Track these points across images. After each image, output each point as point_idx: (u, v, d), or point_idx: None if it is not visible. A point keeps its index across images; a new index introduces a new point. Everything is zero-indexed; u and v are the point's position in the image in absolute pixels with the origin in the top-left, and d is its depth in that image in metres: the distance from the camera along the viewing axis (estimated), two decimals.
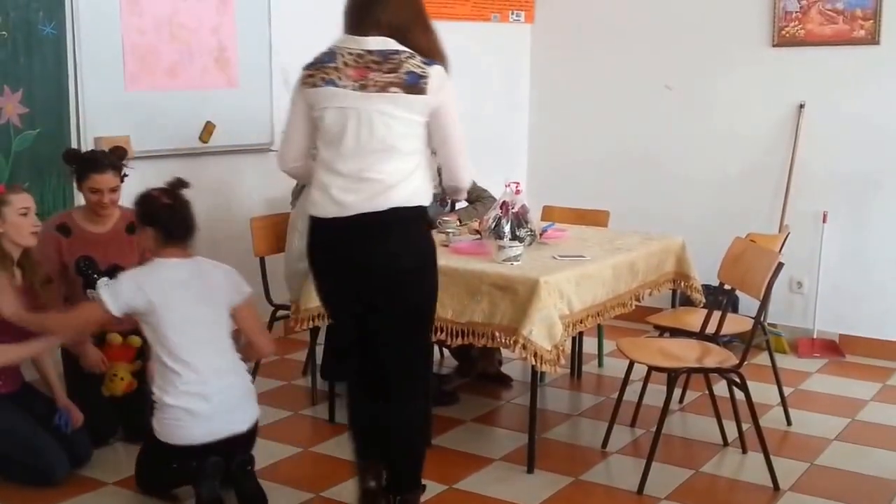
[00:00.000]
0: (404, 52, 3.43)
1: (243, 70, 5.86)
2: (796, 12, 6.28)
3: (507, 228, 4.44)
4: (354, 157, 3.44)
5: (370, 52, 3.44)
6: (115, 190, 4.53)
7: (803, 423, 5.02)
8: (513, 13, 7.22)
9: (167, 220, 3.88)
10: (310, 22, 6.09)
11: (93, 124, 5.17)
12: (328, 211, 3.48)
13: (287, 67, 6.13)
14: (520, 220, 4.50)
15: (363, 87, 3.41)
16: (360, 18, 3.53)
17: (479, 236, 4.70)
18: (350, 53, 3.47)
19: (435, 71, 3.43)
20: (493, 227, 4.46)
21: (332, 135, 3.47)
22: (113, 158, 4.61)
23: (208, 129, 5.72)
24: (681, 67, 6.77)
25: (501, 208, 4.47)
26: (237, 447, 3.87)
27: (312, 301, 4.60)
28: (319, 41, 6.02)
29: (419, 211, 3.51)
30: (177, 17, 5.52)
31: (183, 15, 5.55)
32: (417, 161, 3.50)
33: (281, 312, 5.29)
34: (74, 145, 5.08)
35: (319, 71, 3.50)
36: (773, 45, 6.39)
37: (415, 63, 3.42)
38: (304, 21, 6.11)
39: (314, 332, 5.00)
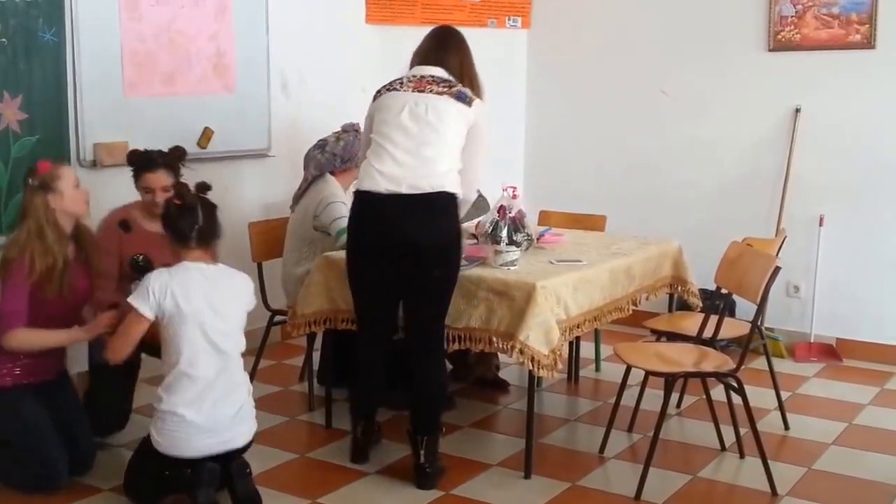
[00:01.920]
0: (457, 82, 4.20)
1: (241, 76, 5.88)
2: (792, 17, 6.29)
3: (504, 233, 4.44)
4: (408, 132, 4.10)
5: (432, 76, 4.20)
6: (167, 189, 4.45)
7: (801, 428, 5.02)
8: (509, 19, 7.23)
9: (175, 221, 3.87)
10: (307, 28, 6.14)
11: (92, 130, 5.18)
12: (379, 186, 4.07)
13: (285, 73, 6.17)
14: (517, 224, 4.51)
15: (420, 91, 4.14)
16: (424, 57, 4.30)
17: (475, 241, 4.70)
18: (413, 77, 4.22)
19: (479, 101, 4.21)
20: (490, 231, 4.46)
21: (390, 113, 4.15)
22: (168, 158, 4.63)
23: (206, 134, 5.73)
24: (677, 72, 6.78)
25: (499, 213, 4.48)
26: (232, 457, 3.87)
27: (309, 307, 4.61)
28: (316, 47, 6.09)
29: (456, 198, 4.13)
30: (175, 23, 5.53)
31: (181, 22, 5.56)
32: (456, 161, 4.13)
33: (278, 318, 5.30)
34: (73, 151, 5.10)
35: (385, 87, 4.25)
36: (769, 50, 6.40)
37: (465, 89, 4.18)
38: (301, 27, 6.15)
39: (311, 337, 5.01)
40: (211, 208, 3.92)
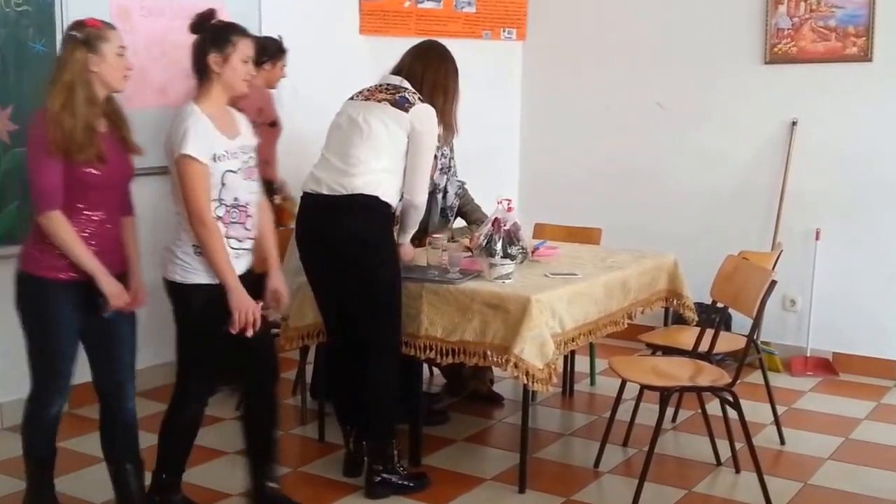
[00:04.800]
0: (410, 89, 4.29)
1: None
2: (788, 29, 6.28)
3: (498, 246, 4.42)
4: (342, 143, 4.26)
5: (387, 85, 4.35)
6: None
7: (797, 443, 5.00)
8: (504, 30, 7.22)
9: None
10: (301, 39, 6.10)
11: None
12: (308, 186, 4.31)
13: (278, 84, 6.14)
14: (512, 237, 4.49)
15: (367, 100, 4.29)
16: (394, 68, 4.45)
17: (470, 254, 4.68)
18: (372, 87, 4.39)
19: (421, 106, 4.25)
20: (484, 244, 4.44)
21: (336, 119, 4.38)
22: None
23: None
24: (673, 85, 6.77)
25: (493, 225, 4.46)
26: None
27: (302, 320, 4.60)
28: (310, 58, 6.06)
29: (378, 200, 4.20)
30: (168, 35, 5.51)
31: (174, 34, 5.52)
32: (385, 166, 4.21)
33: (273, 331, 5.25)
34: None
35: (349, 98, 4.42)
36: (766, 63, 6.39)
37: (412, 94, 4.26)
38: (295, 39, 6.11)
39: (304, 350, 4.98)
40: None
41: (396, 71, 4.42)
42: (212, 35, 3.73)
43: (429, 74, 4.37)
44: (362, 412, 4.35)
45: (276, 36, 5.59)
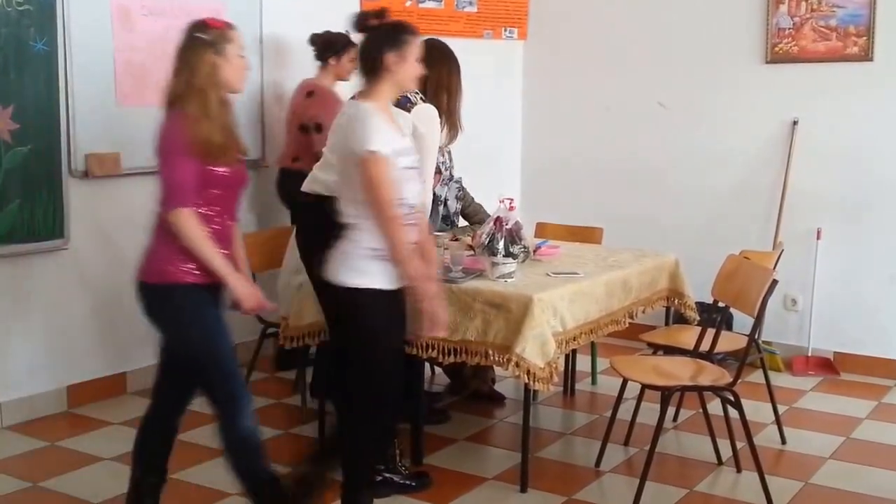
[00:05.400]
0: (412, 89, 4.15)
1: None
2: (789, 29, 6.28)
3: (500, 245, 4.41)
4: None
5: None
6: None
7: (798, 442, 5.00)
8: (506, 30, 7.22)
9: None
10: (301, 39, 6.09)
11: (84, 140, 5.14)
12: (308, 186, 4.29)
13: (279, 85, 6.14)
14: (513, 236, 4.48)
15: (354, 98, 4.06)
16: None
17: (472, 253, 4.67)
18: None
19: (422, 105, 4.25)
20: (486, 243, 4.43)
21: (337, 120, 4.14)
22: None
23: None
24: (674, 84, 6.77)
25: (495, 224, 4.45)
26: None
27: (303, 319, 4.59)
28: (311, 59, 6.05)
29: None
30: (169, 34, 5.44)
31: (175, 32, 5.43)
32: None
33: (272, 330, 5.25)
34: (65, 162, 5.06)
35: (351, 97, 4.16)
36: (767, 62, 6.39)
37: (414, 95, 4.22)
38: (295, 39, 6.11)
39: (304, 350, 4.97)
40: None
41: None
42: (388, 34, 3.72)
43: (432, 74, 4.37)
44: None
45: (343, 30, 5.50)
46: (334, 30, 5.64)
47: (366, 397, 3.77)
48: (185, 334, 3.59)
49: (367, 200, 3.60)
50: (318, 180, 4.27)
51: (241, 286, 3.56)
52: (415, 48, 3.76)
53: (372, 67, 3.73)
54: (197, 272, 3.51)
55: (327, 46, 5.46)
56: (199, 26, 3.57)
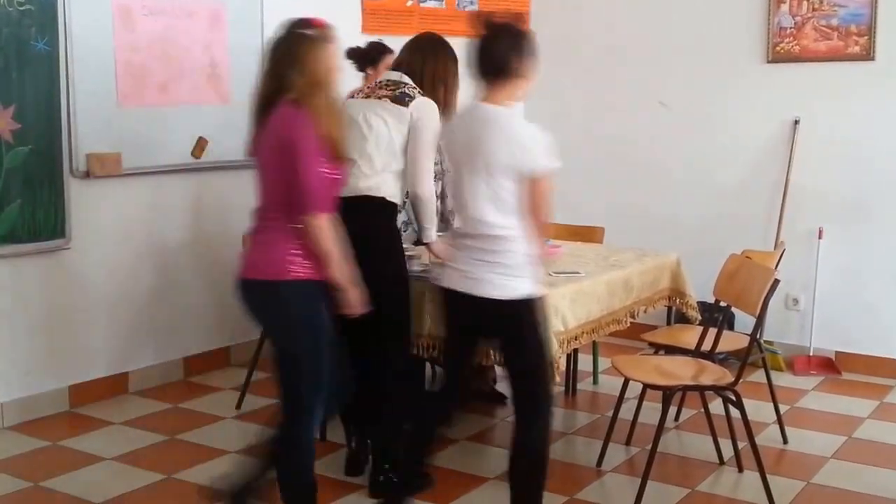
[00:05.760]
0: (410, 84, 4.28)
1: (236, 86, 5.83)
2: (791, 28, 6.27)
3: None
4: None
5: (388, 81, 4.33)
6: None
7: (800, 442, 4.99)
8: None
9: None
10: None
11: (85, 140, 5.14)
12: None
13: None
14: None
15: (368, 97, 4.29)
16: (394, 63, 4.50)
17: None
18: (373, 84, 4.41)
19: (422, 99, 4.22)
20: None
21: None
22: None
23: (201, 144, 5.70)
24: (675, 84, 6.76)
25: None
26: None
27: None
28: None
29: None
30: (169, 33, 5.51)
31: (175, 32, 5.54)
32: (388, 166, 4.20)
33: None
34: (66, 161, 5.06)
35: (347, 96, 4.36)
36: (768, 62, 6.38)
37: (412, 89, 4.25)
38: None
39: None
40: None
41: (395, 66, 4.42)
42: (525, 40, 3.69)
43: (428, 67, 4.37)
44: (368, 409, 4.31)
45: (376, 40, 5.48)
46: (341, 29, 5.62)
47: (543, 392, 3.77)
48: (294, 332, 3.56)
49: (535, 210, 3.65)
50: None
51: (357, 293, 3.59)
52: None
53: (502, 71, 3.64)
54: (312, 268, 3.50)
55: (364, 58, 5.43)
56: (302, 23, 3.58)
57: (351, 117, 4.20)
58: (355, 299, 3.59)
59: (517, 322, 3.61)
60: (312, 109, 3.44)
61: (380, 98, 4.23)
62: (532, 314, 3.63)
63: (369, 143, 4.17)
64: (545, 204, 3.62)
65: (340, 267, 3.51)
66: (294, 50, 3.51)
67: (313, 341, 3.53)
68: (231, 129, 5.84)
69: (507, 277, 3.56)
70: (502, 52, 3.64)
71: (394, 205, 4.25)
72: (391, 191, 4.21)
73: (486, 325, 3.69)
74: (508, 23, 3.71)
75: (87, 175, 5.18)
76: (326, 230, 3.45)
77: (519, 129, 3.65)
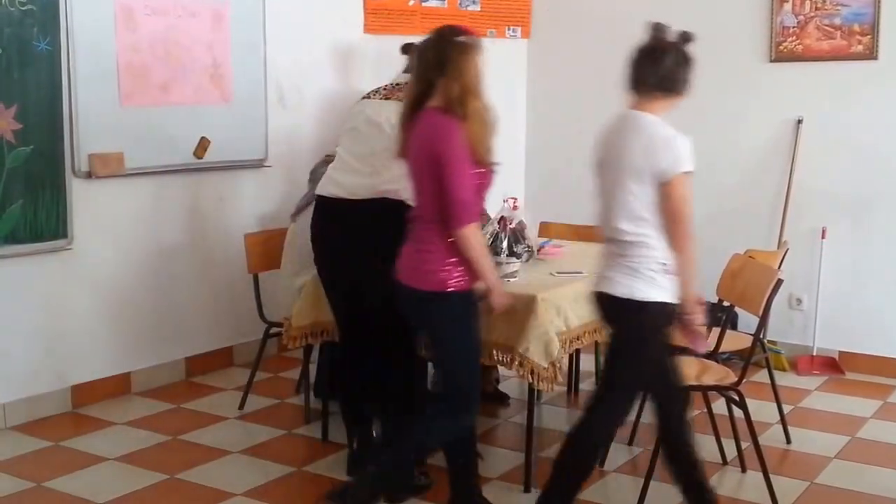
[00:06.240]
0: None
1: (238, 86, 5.84)
2: (794, 27, 6.26)
3: (504, 244, 4.41)
4: (362, 144, 4.21)
5: (406, 83, 4.19)
6: None
7: (803, 442, 4.98)
8: (509, 29, 7.21)
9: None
10: (305, 38, 6.10)
11: (87, 140, 5.14)
12: (327, 189, 4.30)
13: (281, 83, 6.13)
14: (517, 236, 4.48)
15: (387, 98, 4.26)
16: (410, 66, 4.30)
17: None
18: (389, 85, 4.38)
19: None
20: (490, 243, 4.43)
21: (350, 121, 4.34)
22: None
23: (203, 144, 5.69)
24: None
25: (499, 224, 4.44)
26: None
27: (305, 318, 4.59)
28: (314, 57, 6.05)
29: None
30: (171, 33, 5.50)
31: (178, 31, 5.53)
32: None
33: (274, 330, 5.25)
34: (68, 162, 5.06)
35: (363, 96, 4.39)
36: (771, 61, 6.37)
37: None
38: (299, 37, 6.11)
39: (307, 349, 4.96)
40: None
41: (409, 69, 4.33)
42: (692, 60, 3.87)
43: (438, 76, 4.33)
44: (373, 402, 4.38)
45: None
46: (337, 31, 5.63)
47: (627, 396, 3.81)
48: (458, 337, 3.71)
49: (672, 217, 3.74)
50: (339, 183, 4.26)
51: (503, 293, 3.74)
52: None
53: (665, 84, 3.85)
54: (467, 277, 3.64)
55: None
56: (457, 31, 3.64)
57: (369, 118, 4.22)
58: (502, 303, 3.74)
59: (628, 324, 3.65)
60: (465, 116, 3.52)
61: (400, 100, 4.12)
62: (647, 318, 3.63)
63: (388, 146, 4.08)
64: (681, 211, 3.70)
65: (492, 274, 3.67)
66: (448, 56, 3.58)
67: (469, 343, 3.73)
68: (233, 130, 5.86)
69: (631, 279, 3.62)
70: (667, 69, 3.78)
71: (411, 207, 4.16)
72: (409, 192, 4.15)
73: (604, 320, 3.75)
74: (677, 42, 3.88)
75: (90, 175, 5.18)
76: (474, 239, 3.56)
77: (658, 130, 3.75)
